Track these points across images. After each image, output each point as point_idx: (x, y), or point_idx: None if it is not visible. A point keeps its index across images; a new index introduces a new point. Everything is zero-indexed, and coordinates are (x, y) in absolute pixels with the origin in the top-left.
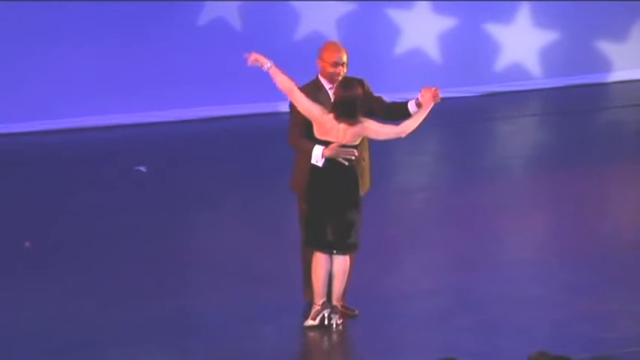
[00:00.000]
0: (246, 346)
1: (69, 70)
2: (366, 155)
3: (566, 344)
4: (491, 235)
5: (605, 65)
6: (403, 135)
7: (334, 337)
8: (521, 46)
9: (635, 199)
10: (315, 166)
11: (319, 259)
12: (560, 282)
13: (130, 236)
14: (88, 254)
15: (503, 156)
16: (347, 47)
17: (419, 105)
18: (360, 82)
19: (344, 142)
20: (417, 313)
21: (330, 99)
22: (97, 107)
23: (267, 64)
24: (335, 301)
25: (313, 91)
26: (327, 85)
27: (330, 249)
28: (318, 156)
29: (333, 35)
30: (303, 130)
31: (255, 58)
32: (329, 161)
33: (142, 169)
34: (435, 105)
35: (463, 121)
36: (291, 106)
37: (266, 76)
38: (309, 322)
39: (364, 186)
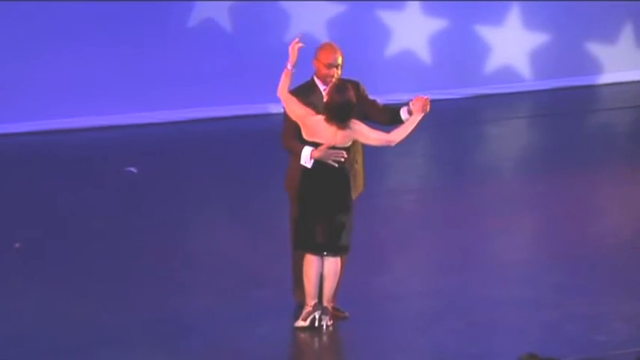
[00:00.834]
0: (239, 347)
1: (60, 71)
2: (359, 158)
3: (557, 346)
4: (481, 236)
5: (595, 67)
6: (392, 144)
7: (325, 338)
8: (512, 48)
9: (625, 201)
10: (305, 168)
11: (310, 261)
12: (551, 283)
13: (123, 237)
14: (82, 255)
15: (493, 158)
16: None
17: (410, 113)
18: (355, 85)
19: (334, 144)
20: (407, 315)
21: (323, 100)
22: (88, 108)
23: (290, 65)
24: (325, 303)
25: (307, 91)
26: (321, 87)
27: (320, 250)
28: (306, 157)
29: (323, 36)
30: (296, 132)
31: (296, 48)
32: (319, 163)
33: (133, 170)
34: (424, 115)
35: (453, 123)
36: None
37: (256, 78)
38: (300, 323)
39: (357, 188)
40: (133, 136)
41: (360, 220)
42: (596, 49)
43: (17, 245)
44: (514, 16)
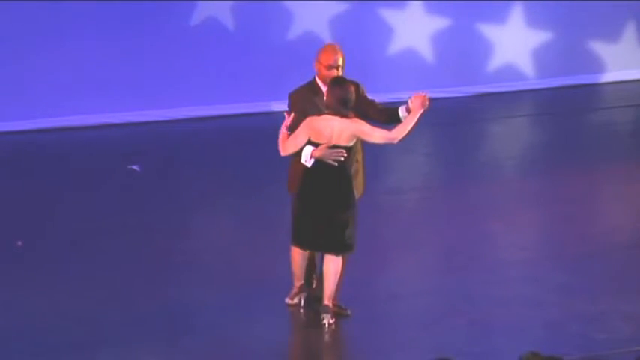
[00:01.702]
0: (238, 346)
1: (62, 69)
2: (359, 157)
3: (558, 344)
4: (482, 235)
5: (598, 66)
6: (395, 141)
7: (326, 336)
8: (514, 46)
9: (628, 200)
10: (306, 167)
11: (294, 251)
12: (552, 282)
13: (123, 235)
14: (81, 254)
15: (495, 156)
16: (340, 47)
17: (409, 110)
18: (355, 85)
19: (338, 144)
20: (408, 313)
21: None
22: (90, 106)
23: (285, 128)
24: (327, 301)
25: (309, 92)
26: (323, 88)
27: (317, 248)
28: (307, 156)
29: (326, 35)
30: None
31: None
32: (319, 162)
33: (136, 168)
34: (424, 111)
35: (456, 122)
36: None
37: (259, 76)
38: (287, 300)
39: (358, 188)
40: (135, 134)
41: (361, 219)
42: (599, 48)
43: (19, 243)
44: (517, 15)
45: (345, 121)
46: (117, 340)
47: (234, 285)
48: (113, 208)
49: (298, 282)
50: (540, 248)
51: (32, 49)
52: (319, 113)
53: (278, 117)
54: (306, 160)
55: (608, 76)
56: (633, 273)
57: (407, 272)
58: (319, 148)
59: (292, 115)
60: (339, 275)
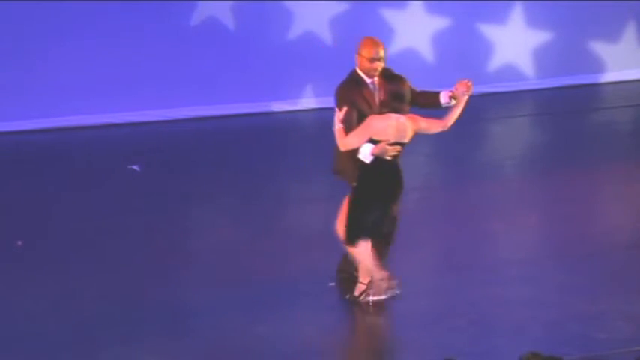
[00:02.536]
0: (238, 346)
1: (62, 69)
2: None
3: (558, 344)
4: (484, 235)
5: (598, 66)
6: (446, 128)
7: (329, 337)
8: (515, 46)
9: (628, 200)
10: (364, 163)
11: (362, 246)
12: (552, 282)
13: (123, 235)
14: (81, 253)
15: (496, 156)
16: (340, 47)
17: (452, 97)
18: (403, 78)
19: (398, 141)
20: (409, 314)
21: (370, 91)
22: (90, 106)
23: (336, 124)
24: (366, 277)
25: (355, 86)
26: (367, 80)
27: (379, 236)
28: (366, 153)
29: (326, 35)
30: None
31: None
32: (376, 158)
33: (136, 168)
34: (469, 97)
35: (456, 121)
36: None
37: (259, 76)
38: (371, 297)
39: None
40: (134, 134)
41: None
42: (599, 48)
43: (19, 243)
44: (517, 15)
45: (404, 119)
46: (117, 340)
47: (235, 285)
48: (113, 208)
49: (381, 273)
50: (541, 248)
51: (32, 49)
52: (367, 104)
53: (277, 117)
54: (366, 156)
55: (609, 76)
56: (633, 273)
57: (407, 272)
58: (379, 146)
59: (345, 109)
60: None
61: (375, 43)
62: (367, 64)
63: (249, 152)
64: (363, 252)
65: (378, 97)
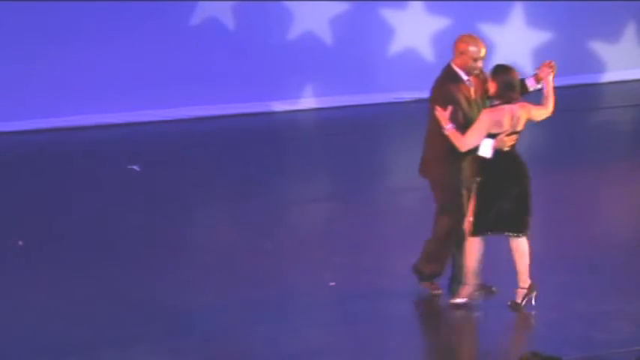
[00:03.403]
0: (238, 346)
1: (61, 69)
2: None
3: (558, 344)
4: None
5: (598, 66)
6: (551, 112)
7: (327, 337)
8: (515, 46)
9: (628, 200)
10: (483, 158)
11: (475, 243)
12: (552, 283)
13: (123, 235)
14: (81, 253)
15: None
16: (340, 47)
17: (537, 80)
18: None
19: (514, 130)
20: (408, 314)
21: (467, 88)
22: (90, 106)
23: (447, 125)
24: (524, 280)
25: (455, 84)
26: (464, 77)
27: (504, 231)
28: (488, 148)
29: (326, 35)
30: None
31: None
32: (495, 151)
33: (136, 167)
34: (553, 75)
35: None
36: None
37: (259, 76)
38: (459, 300)
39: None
40: (134, 134)
41: (363, 218)
42: (599, 48)
43: (20, 243)
44: (517, 15)
45: (517, 107)
46: (116, 340)
47: (234, 286)
48: (112, 208)
49: (475, 279)
50: (541, 248)
51: (30, 50)
52: (467, 101)
53: (277, 117)
54: (486, 152)
55: (609, 76)
56: (632, 273)
57: (406, 272)
58: (499, 138)
59: (451, 109)
60: (529, 253)
61: (479, 42)
62: (471, 63)
63: (249, 152)
64: (474, 250)
65: (473, 93)
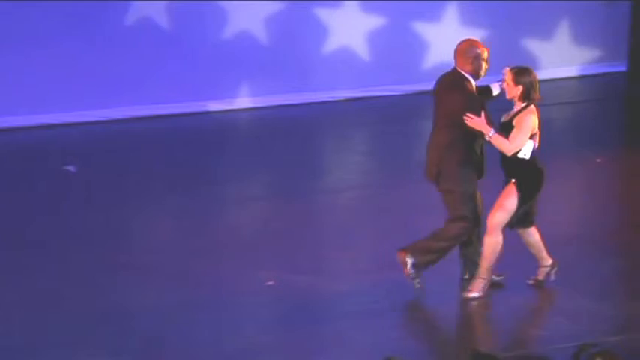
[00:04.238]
0: (179, 347)
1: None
2: (477, 148)
3: (497, 341)
4: (421, 232)
5: (532, 63)
6: None
7: (265, 336)
8: (449, 44)
9: (566, 196)
10: (523, 160)
11: (500, 240)
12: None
13: (58, 236)
14: (22, 255)
15: None
16: (275, 46)
17: (502, 87)
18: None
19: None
20: (345, 312)
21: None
22: (20, 107)
23: (489, 132)
24: (547, 258)
25: (471, 88)
26: (473, 81)
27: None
28: (529, 149)
29: (261, 34)
30: None
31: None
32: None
33: (71, 169)
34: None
35: (391, 120)
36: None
37: (195, 76)
38: (475, 294)
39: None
40: (69, 135)
41: (297, 218)
42: (533, 45)
43: None
44: (452, 14)
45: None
46: (58, 344)
47: (172, 286)
48: (54, 209)
49: (489, 275)
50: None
51: None
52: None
53: (212, 117)
54: (527, 153)
55: (542, 74)
56: (569, 269)
57: (344, 272)
58: (534, 139)
59: (484, 114)
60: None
61: (481, 44)
62: (485, 66)
63: (185, 152)
64: (498, 247)
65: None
